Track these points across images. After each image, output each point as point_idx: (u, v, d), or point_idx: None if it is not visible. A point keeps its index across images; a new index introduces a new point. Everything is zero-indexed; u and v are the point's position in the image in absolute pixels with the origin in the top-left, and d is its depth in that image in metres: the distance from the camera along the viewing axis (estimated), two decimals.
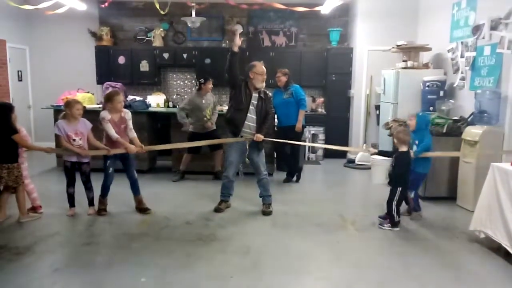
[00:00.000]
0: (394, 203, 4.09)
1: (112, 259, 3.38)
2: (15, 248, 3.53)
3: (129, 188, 4.55)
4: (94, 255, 3.47)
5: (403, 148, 4.12)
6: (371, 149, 4.64)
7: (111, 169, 4.39)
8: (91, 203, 4.45)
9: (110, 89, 6.34)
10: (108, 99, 4.32)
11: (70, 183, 4.37)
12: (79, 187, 4.41)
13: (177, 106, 7.45)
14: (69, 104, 4.27)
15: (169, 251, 3.53)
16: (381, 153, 4.53)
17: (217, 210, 4.61)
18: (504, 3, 4.71)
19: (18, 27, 7.94)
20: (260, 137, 4.42)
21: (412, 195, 4.39)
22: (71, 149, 4.19)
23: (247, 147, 4.48)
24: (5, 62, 7.20)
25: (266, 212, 4.55)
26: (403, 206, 4.36)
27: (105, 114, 4.26)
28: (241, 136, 4.47)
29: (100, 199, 4.45)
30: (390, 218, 4.13)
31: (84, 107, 6.31)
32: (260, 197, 4.68)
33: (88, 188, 4.43)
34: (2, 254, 3.41)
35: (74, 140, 4.20)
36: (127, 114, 4.42)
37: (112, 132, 4.23)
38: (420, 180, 4.48)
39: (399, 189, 4.09)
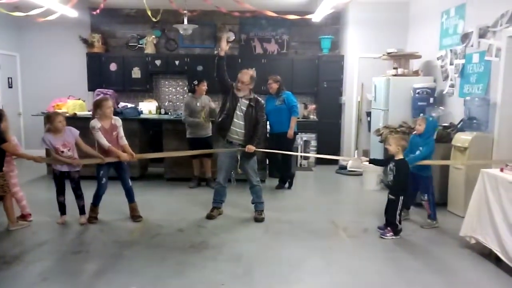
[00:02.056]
0: (398, 212, 4.05)
1: (103, 267, 3.35)
2: (2, 257, 3.47)
3: (121, 196, 4.51)
4: (84, 264, 3.43)
5: (400, 155, 4.07)
6: (362, 158, 4.59)
7: (104, 179, 4.33)
8: (82, 211, 4.38)
9: (102, 96, 6.31)
10: (98, 106, 4.26)
11: (60, 192, 4.31)
12: (70, 195, 4.36)
13: (169, 113, 7.47)
14: (50, 118, 4.17)
15: (160, 258, 3.50)
16: (373, 161, 4.50)
17: (209, 217, 4.59)
18: (492, 11, 4.79)
19: (9, 34, 7.88)
20: (251, 148, 4.40)
21: (425, 198, 4.35)
22: (61, 160, 4.14)
23: (238, 156, 4.48)
24: None
25: (258, 219, 4.54)
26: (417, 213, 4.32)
27: (95, 123, 4.19)
28: (230, 142, 4.47)
29: (91, 207, 4.39)
30: (392, 227, 4.08)
31: (75, 114, 6.29)
32: (253, 203, 4.67)
33: (79, 195, 4.36)
34: None
35: (62, 152, 4.15)
36: (118, 121, 4.38)
37: (104, 141, 4.17)
38: (428, 182, 4.37)
39: (402, 198, 4.04)
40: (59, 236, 4.04)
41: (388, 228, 4.10)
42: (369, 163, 4.44)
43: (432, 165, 4.50)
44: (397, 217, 4.04)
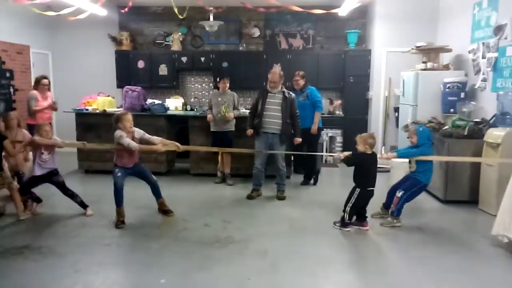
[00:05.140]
0: (349, 205, 4.07)
1: (132, 260, 3.44)
2: (38, 248, 3.62)
3: (147, 190, 4.57)
4: (114, 256, 3.55)
5: (368, 151, 4.07)
6: (341, 155, 4.34)
7: (119, 173, 4.26)
8: (83, 206, 4.53)
9: (130, 93, 6.44)
10: (118, 120, 4.22)
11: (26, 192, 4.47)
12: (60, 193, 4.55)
13: (195, 109, 7.57)
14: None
15: (188, 252, 3.56)
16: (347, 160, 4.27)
17: (250, 197, 5.14)
18: None
19: (41, 33, 8.16)
20: (298, 140, 5.18)
21: (399, 193, 4.21)
22: (46, 142, 4.33)
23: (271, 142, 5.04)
24: (28, 67, 7.41)
25: (280, 197, 5.15)
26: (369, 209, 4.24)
27: (120, 133, 4.18)
28: (265, 132, 5.02)
29: (116, 209, 4.27)
30: (341, 218, 4.12)
31: (105, 110, 6.44)
32: (276, 184, 5.26)
33: (71, 195, 4.51)
34: (26, 254, 3.50)
35: (43, 153, 4.36)
36: (137, 132, 4.32)
37: (134, 143, 4.16)
38: (415, 186, 4.21)
39: (358, 190, 4.07)
40: (89, 229, 4.16)
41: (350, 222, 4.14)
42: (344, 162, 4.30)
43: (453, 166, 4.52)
44: (347, 208, 4.06)
